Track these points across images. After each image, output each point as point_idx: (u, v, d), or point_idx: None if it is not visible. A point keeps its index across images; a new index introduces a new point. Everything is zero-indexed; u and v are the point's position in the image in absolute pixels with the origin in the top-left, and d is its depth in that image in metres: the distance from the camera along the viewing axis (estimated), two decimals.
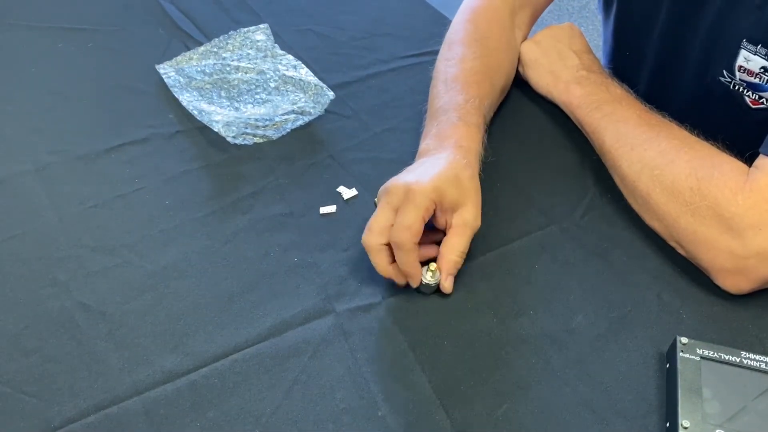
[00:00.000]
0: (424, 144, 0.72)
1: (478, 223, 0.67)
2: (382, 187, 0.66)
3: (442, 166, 0.67)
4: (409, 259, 0.63)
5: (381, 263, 0.65)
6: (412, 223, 0.62)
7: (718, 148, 0.68)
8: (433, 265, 0.65)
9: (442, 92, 0.77)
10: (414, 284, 0.65)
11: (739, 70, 0.72)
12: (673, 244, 0.69)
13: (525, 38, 0.89)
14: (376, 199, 0.67)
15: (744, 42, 0.70)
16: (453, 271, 0.66)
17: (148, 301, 0.67)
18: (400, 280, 0.65)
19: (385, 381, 0.61)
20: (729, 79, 0.73)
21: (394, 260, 0.64)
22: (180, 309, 0.66)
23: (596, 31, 2.31)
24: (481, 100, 0.76)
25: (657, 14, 0.79)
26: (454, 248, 0.65)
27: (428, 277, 0.65)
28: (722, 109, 0.76)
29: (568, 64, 0.83)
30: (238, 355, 0.63)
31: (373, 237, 0.64)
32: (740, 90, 0.73)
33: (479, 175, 0.70)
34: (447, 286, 0.65)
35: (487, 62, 0.81)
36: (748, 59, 0.70)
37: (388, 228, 0.63)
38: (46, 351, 0.63)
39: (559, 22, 0.89)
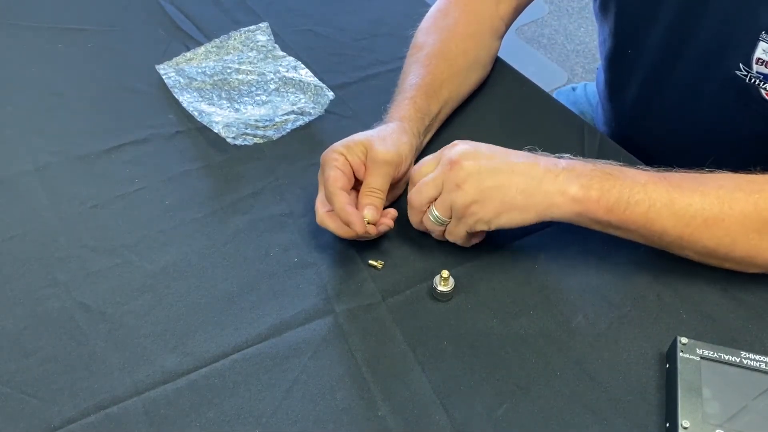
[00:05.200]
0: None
1: (387, 157, 0.68)
2: None
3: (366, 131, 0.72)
4: (337, 204, 0.66)
5: (339, 229, 0.68)
6: (328, 175, 0.67)
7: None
8: (445, 273, 0.66)
9: (401, 77, 0.83)
10: (357, 229, 0.65)
11: (757, 63, 0.71)
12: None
13: (507, 29, 0.91)
14: None
15: (763, 34, 0.69)
16: (374, 202, 0.67)
17: (148, 301, 0.67)
18: (355, 228, 0.66)
19: (385, 381, 0.61)
20: (745, 73, 0.72)
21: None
22: (180, 309, 0.66)
23: (596, 32, 2.30)
24: (422, 78, 0.80)
25: (661, 10, 0.79)
26: (366, 186, 0.68)
27: (440, 285, 0.66)
28: (737, 104, 0.75)
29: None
30: (238, 355, 0.63)
31: (318, 215, 0.69)
32: (756, 83, 0.72)
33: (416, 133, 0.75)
34: (368, 215, 0.66)
35: (446, 47, 0.84)
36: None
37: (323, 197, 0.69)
38: (46, 351, 0.63)
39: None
